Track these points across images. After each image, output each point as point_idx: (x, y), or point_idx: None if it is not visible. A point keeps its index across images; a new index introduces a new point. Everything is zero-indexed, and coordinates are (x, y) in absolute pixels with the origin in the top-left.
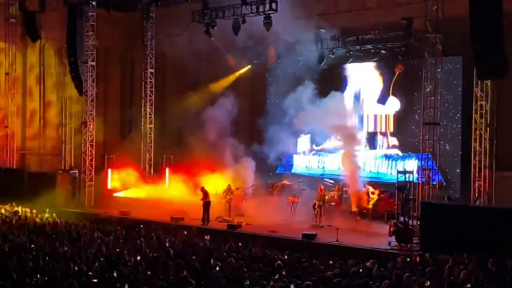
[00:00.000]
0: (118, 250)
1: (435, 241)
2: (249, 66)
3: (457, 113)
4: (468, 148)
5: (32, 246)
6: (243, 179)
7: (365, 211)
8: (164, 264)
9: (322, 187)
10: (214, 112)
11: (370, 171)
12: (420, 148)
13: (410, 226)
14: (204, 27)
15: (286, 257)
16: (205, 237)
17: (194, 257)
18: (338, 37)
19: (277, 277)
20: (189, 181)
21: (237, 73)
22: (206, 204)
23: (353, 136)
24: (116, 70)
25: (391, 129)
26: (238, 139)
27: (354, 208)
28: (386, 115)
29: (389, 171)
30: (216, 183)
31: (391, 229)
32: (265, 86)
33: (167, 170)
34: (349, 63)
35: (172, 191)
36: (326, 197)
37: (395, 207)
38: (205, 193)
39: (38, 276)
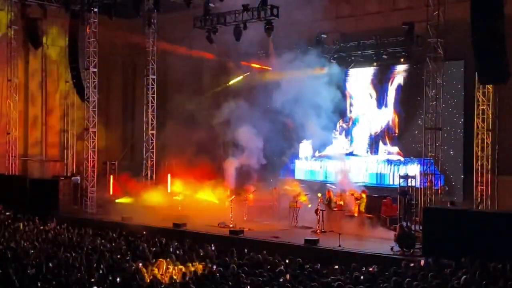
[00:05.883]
0: (120, 256)
1: (437, 246)
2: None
3: (460, 118)
4: (471, 152)
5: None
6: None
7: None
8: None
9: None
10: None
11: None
12: (422, 153)
13: (412, 231)
14: (206, 33)
15: (288, 262)
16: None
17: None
18: (339, 42)
19: (279, 283)
20: (190, 187)
21: (239, 79)
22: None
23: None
24: (118, 77)
25: (394, 134)
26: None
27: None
28: (388, 120)
29: (391, 176)
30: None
31: (398, 232)
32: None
33: (169, 176)
34: (351, 68)
35: (174, 197)
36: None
37: (398, 212)
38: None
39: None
